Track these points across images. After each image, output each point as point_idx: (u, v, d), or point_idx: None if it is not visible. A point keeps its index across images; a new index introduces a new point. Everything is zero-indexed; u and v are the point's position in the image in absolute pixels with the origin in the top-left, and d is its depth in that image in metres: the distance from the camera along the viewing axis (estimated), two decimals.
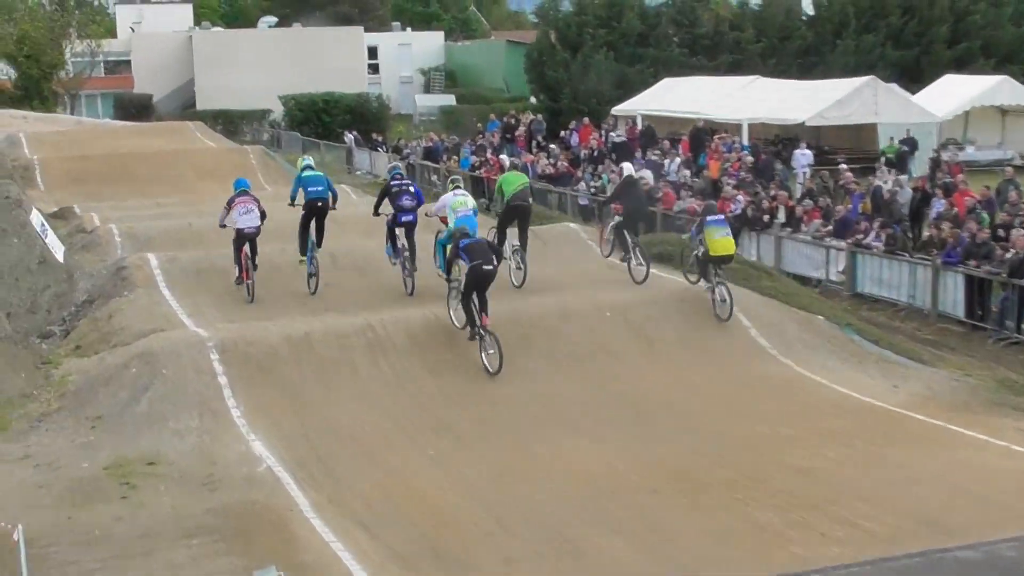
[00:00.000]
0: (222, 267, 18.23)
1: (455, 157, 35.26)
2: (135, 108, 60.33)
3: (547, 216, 23.78)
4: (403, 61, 67.13)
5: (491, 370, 15.22)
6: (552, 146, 35.16)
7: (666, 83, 42.11)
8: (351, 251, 19.56)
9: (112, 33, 69.15)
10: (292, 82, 57.94)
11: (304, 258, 18.62)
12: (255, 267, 18.71)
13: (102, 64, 64.88)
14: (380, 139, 44.51)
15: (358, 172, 40.72)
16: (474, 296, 15.43)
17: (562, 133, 37.80)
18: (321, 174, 19.23)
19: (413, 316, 15.65)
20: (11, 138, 39.51)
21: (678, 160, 30.53)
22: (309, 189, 18.62)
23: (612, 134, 35.36)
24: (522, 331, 15.45)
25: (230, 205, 18.96)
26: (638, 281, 18.25)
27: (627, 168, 19.74)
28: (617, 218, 18.97)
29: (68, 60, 61.71)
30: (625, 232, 18.77)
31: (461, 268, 15.72)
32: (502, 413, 13.49)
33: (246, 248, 18.77)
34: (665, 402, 14.07)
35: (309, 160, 19.73)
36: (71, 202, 28.96)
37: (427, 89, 66.30)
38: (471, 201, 17.61)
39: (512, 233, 18.60)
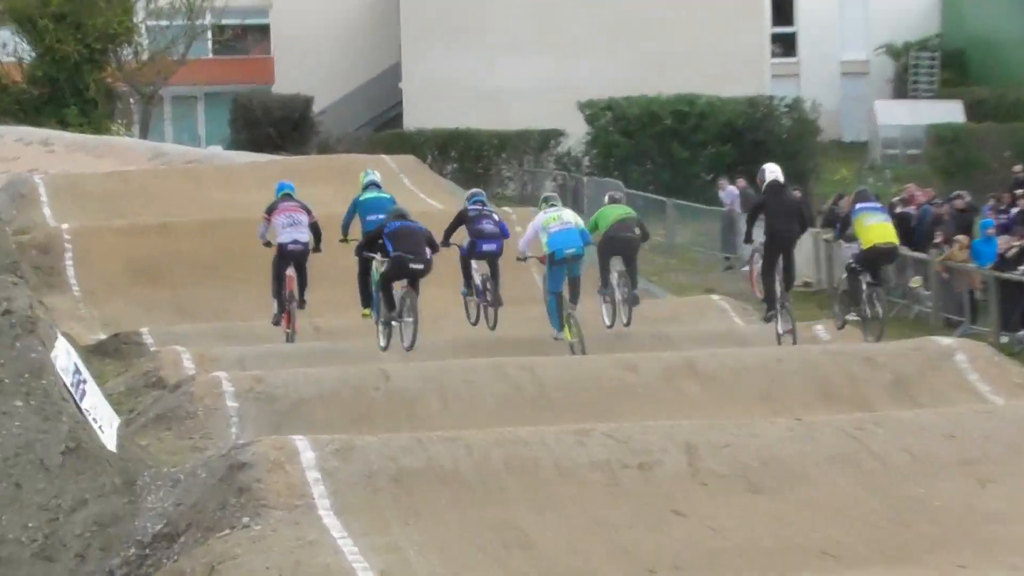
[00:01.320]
0: (439, 464, 16.90)
1: (958, 238, 28.73)
2: (276, 126, 47.91)
3: None
4: (849, 30, 52.99)
5: (404, 344, 20.53)
6: None
7: None
8: (725, 444, 17.48)
9: None
10: (604, 74, 45.03)
11: (369, 311, 21.19)
12: (303, 303, 21.20)
13: (209, 35, 50.57)
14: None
15: (745, 268, 29.04)
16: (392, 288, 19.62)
17: None
18: (389, 196, 21.60)
19: None
20: (17, 185, 33.47)
21: None
22: (368, 218, 21.12)
23: None
24: None
25: (270, 213, 21.58)
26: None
27: (771, 170, 21.18)
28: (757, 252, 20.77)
29: (140, 26, 47.69)
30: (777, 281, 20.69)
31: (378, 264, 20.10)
32: None
33: (290, 274, 21.09)
34: None
35: (374, 175, 22.06)
36: (134, 323, 25.59)
37: (902, 89, 51.75)
38: (569, 214, 20.54)
39: (616, 271, 21.36)
